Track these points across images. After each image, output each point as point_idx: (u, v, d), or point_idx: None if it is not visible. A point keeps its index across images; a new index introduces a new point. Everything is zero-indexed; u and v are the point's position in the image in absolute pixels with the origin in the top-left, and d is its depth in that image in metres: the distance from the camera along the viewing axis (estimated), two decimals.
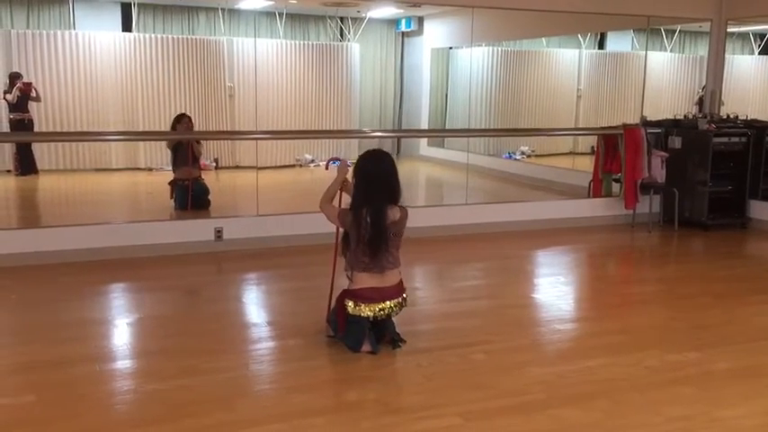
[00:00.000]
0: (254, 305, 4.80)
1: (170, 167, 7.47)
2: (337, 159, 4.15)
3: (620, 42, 11.13)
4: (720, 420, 3.04)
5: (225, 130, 10.33)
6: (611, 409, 3.10)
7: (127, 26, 10.29)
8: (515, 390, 3.28)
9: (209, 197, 7.26)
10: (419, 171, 10.91)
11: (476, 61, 10.95)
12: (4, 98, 9.11)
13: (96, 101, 9.92)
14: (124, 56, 9.97)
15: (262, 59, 10.47)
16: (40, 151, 9.58)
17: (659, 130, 7.42)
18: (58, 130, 9.63)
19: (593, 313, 4.70)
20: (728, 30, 7.90)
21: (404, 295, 3.76)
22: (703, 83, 8.20)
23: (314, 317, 4.06)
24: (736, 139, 7.16)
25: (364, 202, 3.60)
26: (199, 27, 11.01)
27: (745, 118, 7.58)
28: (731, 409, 3.14)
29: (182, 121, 7.21)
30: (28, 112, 9.25)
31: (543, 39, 11.02)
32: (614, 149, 7.26)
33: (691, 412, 3.09)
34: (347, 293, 3.68)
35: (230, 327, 4.18)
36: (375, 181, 3.63)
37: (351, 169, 3.89)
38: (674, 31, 10.56)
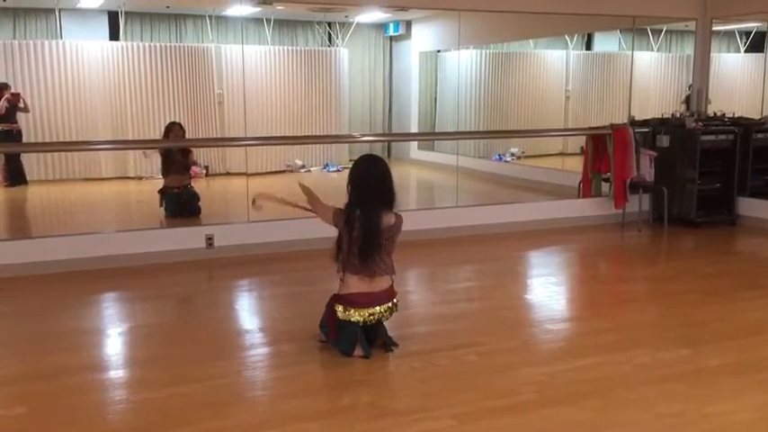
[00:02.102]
0: (246, 311, 4.80)
1: (159, 175, 7.47)
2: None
3: (606, 43, 11.20)
4: (712, 416, 3.05)
5: (214, 136, 10.32)
6: (604, 408, 3.11)
7: (114, 35, 10.28)
8: (508, 390, 3.28)
9: (200, 204, 7.25)
10: (410, 174, 10.93)
11: (464, 64, 10.99)
12: None
13: (85, 110, 9.90)
14: (112, 65, 9.96)
15: (250, 66, 10.48)
16: (29, 162, 9.55)
17: (647, 130, 7.46)
18: (47, 140, 9.61)
19: (584, 313, 4.71)
20: (714, 28, 7.96)
21: (394, 300, 3.75)
22: (690, 81, 8.25)
23: (306, 322, 4.06)
24: (723, 137, 7.20)
25: (358, 206, 3.61)
26: (186, 34, 11.01)
27: (731, 116, 7.64)
28: (723, 405, 3.16)
29: (173, 129, 7.21)
30: (16, 122, 9.22)
31: (530, 40, 11.07)
32: (603, 149, 7.29)
33: (682, 409, 3.11)
34: (337, 298, 3.68)
35: (223, 333, 4.17)
36: (368, 186, 3.64)
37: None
38: (660, 31, 10.63)
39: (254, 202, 4.12)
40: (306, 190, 3.87)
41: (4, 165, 9.31)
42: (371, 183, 3.65)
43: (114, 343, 4.04)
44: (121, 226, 7.02)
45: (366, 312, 3.63)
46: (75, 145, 9.39)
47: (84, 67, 9.86)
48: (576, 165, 8.27)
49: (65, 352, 3.77)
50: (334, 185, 3.96)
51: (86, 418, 3.05)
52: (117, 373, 3.56)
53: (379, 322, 3.71)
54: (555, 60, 11.20)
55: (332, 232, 3.77)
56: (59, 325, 4.29)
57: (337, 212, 3.69)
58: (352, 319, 3.62)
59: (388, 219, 3.65)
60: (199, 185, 7.83)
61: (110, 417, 3.10)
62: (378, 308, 3.66)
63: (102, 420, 3.05)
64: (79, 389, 3.32)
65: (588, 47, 11.38)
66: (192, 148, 7.66)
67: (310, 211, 3.89)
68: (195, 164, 7.53)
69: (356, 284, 3.64)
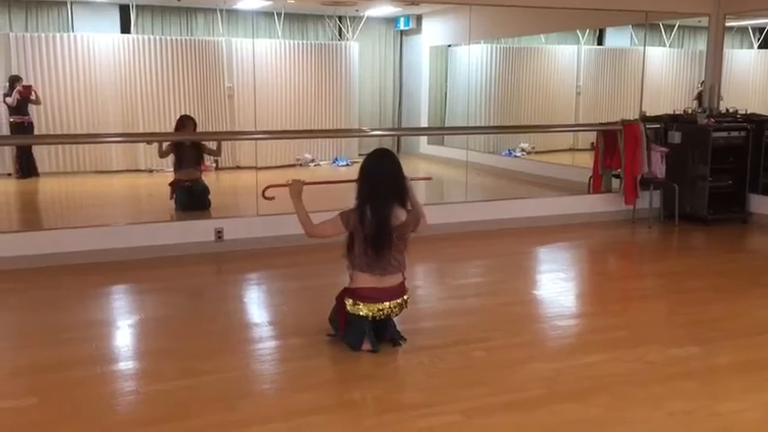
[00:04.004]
0: (255, 305, 4.80)
1: (170, 169, 7.49)
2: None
3: (618, 38, 11.13)
4: (721, 414, 3.04)
5: (224, 130, 10.34)
6: (612, 404, 3.10)
7: (125, 28, 10.31)
8: (516, 386, 3.28)
9: (210, 197, 7.27)
10: (419, 169, 10.91)
11: (474, 58, 10.95)
12: (4, 101, 9.13)
13: (96, 103, 9.94)
14: (123, 58, 9.99)
15: (260, 60, 10.48)
16: (41, 154, 9.60)
17: (658, 126, 7.41)
18: (58, 132, 9.65)
19: (593, 309, 4.70)
20: (727, 24, 7.89)
21: (405, 297, 3.74)
22: (702, 78, 8.19)
23: (315, 316, 4.06)
24: (735, 134, 7.15)
25: (368, 202, 3.59)
26: (197, 28, 11.02)
27: (744, 112, 7.58)
28: (732, 403, 3.14)
29: (186, 123, 7.22)
30: (28, 114, 9.27)
31: (542, 35, 11.01)
32: (614, 145, 7.25)
33: (692, 406, 3.09)
34: (347, 291, 3.68)
35: (231, 327, 4.18)
36: (378, 181, 3.61)
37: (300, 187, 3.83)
38: (672, 26, 10.56)
39: (263, 193, 4.13)
40: (297, 200, 3.81)
41: (16, 157, 9.37)
42: (381, 179, 3.62)
43: (124, 335, 4.06)
44: (132, 219, 7.05)
45: (375, 307, 3.62)
46: (86, 137, 9.42)
47: (96, 60, 9.89)
48: (587, 160, 8.23)
49: (75, 344, 3.79)
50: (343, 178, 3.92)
51: (96, 410, 3.07)
52: (126, 365, 3.58)
53: (388, 318, 3.71)
54: (566, 55, 11.14)
55: None
56: (69, 317, 4.31)
57: (345, 214, 3.64)
58: (361, 313, 3.62)
59: (399, 214, 3.63)
60: (209, 179, 7.84)
61: (119, 408, 3.12)
62: (387, 303, 3.65)
63: (111, 412, 3.07)
64: (89, 380, 3.34)
65: (600, 42, 11.32)
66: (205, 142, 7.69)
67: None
68: (213, 153, 7.63)
69: (366, 280, 3.63)
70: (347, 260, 3.71)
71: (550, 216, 7.09)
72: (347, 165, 10.61)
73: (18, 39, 9.54)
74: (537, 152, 10.76)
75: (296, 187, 3.87)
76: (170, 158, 7.38)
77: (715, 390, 3.28)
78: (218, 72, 10.44)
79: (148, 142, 8.85)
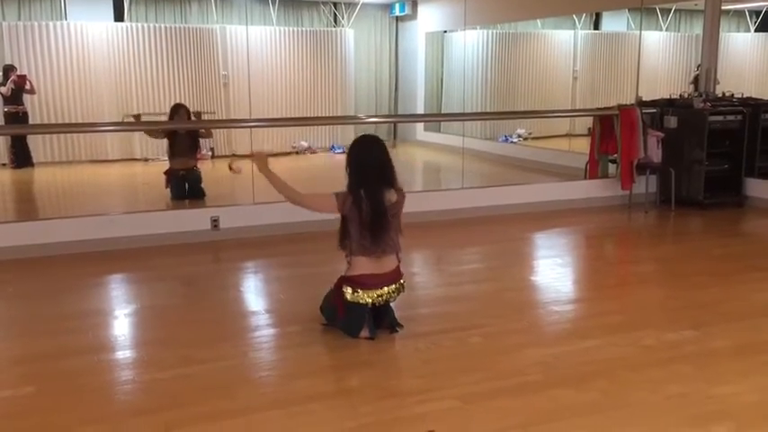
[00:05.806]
0: (252, 293, 4.80)
1: (165, 157, 7.47)
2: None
3: (615, 22, 11.11)
4: (717, 397, 3.05)
5: (220, 118, 10.31)
6: (609, 389, 3.11)
7: (119, 16, 10.26)
8: (513, 372, 3.29)
9: (202, 185, 7.25)
10: (416, 156, 10.90)
11: (470, 44, 10.92)
12: None
13: (90, 92, 9.91)
14: (117, 46, 9.95)
15: (255, 47, 10.44)
16: (35, 143, 9.58)
17: (655, 110, 7.40)
18: (53, 121, 9.62)
19: (590, 294, 4.71)
20: (724, 7, 7.87)
21: (401, 281, 3.75)
22: (698, 62, 8.17)
23: (312, 304, 4.05)
24: (731, 118, 7.15)
25: (359, 187, 3.59)
26: (191, 15, 10.97)
27: (740, 96, 7.57)
28: (728, 386, 3.15)
29: (179, 112, 7.19)
30: (22, 104, 9.24)
31: (538, 20, 10.98)
32: (610, 130, 7.24)
33: (688, 390, 3.10)
34: (345, 280, 3.67)
35: (228, 315, 4.19)
36: (367, 167, 3.62)
37: (260, 158, 3.73)
38: (669, 10, 10.54)
39: (230, 167, 4.09)
40: (266, 172, 3.73)
41: (11, 146, 9.35)
42: (369, 165, 3.63)
43: (121, 324, 4.06)
44: (128, 208, 7.04)
45: (375, 294, 3.63)
46: (80, 127, 9.40)
47: (90, 49, 9.85)
48: (583, 146, 8.23)
49: (71, 333, 3.79)
50: (340, 167, 3.91)
51: (93, 399, 3.07)
52: (123, 355, 3.57)
53: (386, 303, 3.71)
54: (562, 40, 11.11)
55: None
56: (66, 306, 4.31)
57: (341, 196, 3.64)
58: (361, 301, 3.62)
59: (390, 196, 3.65)
60: (205, 167, 7.83)
61: (117, 397, 3.12)
62: (385, 288, 3.66)
63: (109, 400, 3.07)
64: (86, 370, 3.34)
65: (596, 27, 11.30)
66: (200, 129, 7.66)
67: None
68: (204, 135, 7.56)
69: (364, 266, 3.63)
70: (344, 249, 3.71)
71: (547, 202, 7.09)
72: (344, 152, 10.60)
73: (11, 28, 9.49)
74: (534, 138, 10.76)
75: (261, 159, 3.76)
76: (165, 147, 7.36)
77: (711, 373, 3.29)
78: (212, 60, 10.41)
79: (146, 132, 8.82)
